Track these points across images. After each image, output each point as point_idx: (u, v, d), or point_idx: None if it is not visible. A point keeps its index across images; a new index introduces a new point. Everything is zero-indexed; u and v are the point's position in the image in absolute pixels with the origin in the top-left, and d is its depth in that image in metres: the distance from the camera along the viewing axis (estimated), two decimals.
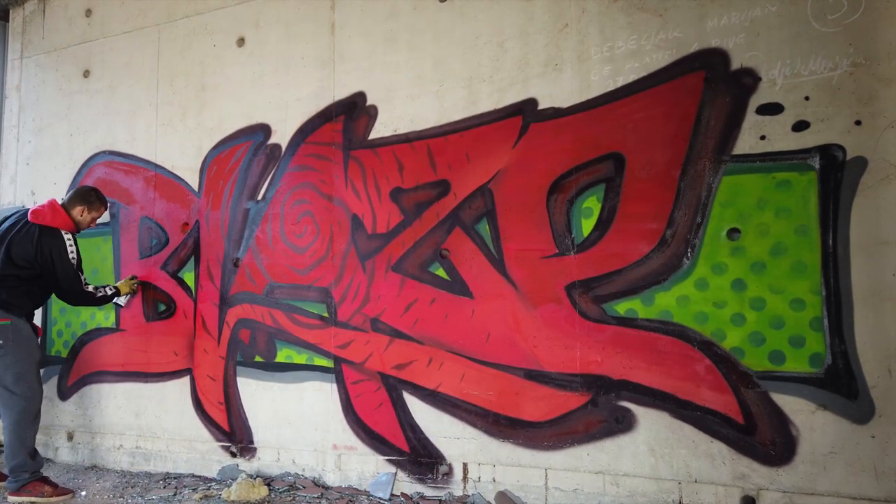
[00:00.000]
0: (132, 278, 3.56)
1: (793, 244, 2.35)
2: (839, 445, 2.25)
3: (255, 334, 3.31)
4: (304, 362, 3.19)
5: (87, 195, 3.27)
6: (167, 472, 3.44)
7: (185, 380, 3.46)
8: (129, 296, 3.58)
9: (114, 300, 3.45)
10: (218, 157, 3.49)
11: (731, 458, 2.39)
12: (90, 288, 3.27)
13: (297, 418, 3.19)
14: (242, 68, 3.47)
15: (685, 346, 2.48)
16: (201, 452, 3.39)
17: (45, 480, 3.05)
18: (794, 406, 2.31)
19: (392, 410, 2.98)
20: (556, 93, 2.76)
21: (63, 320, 3.84)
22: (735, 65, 2.47)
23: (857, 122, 2.28)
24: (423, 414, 2.92)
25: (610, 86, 2.67)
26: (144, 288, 3.61)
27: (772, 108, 2.40)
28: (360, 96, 3.16)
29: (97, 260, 3.76)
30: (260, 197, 3.36)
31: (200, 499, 3.00)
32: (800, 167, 2.35)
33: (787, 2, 2.41)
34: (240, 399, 3.32)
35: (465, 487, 2.83)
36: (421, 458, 2.91)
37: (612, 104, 2.66)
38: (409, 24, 3.09)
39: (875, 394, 2.22)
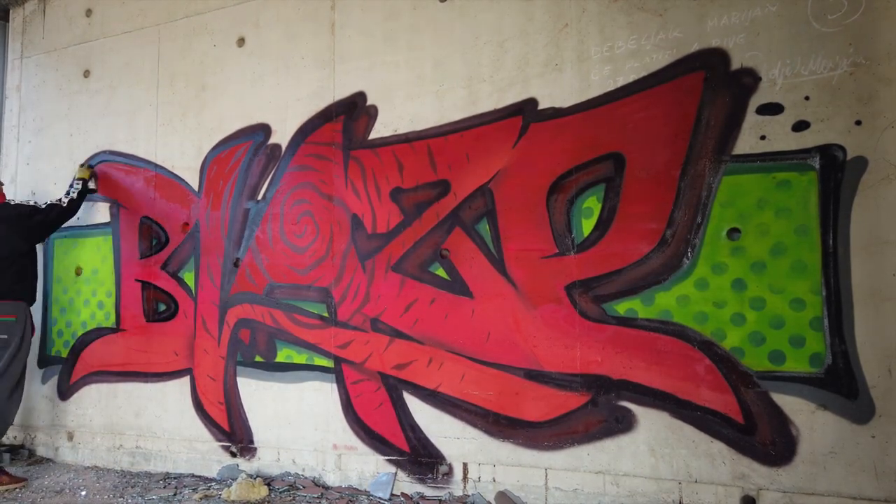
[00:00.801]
0: (82, 165, 3.72)
1: (793, 244, 2.35)
2: (839, 445, 2.25)
3: (256, 334, 3.31)
4: (304, 362, 3.19)
5: None
6: (167, 472, 3.44)
7: (186, 380, 3.46)
8: (94, 178, 3.69)
9: (87, 189, 3.60)
10: (218, 157, 3.49)
11: (731, 457, 2.39)
12: (65, 202, 3.48)
13: (297, 418, 3.19)
14: (242, 68, 3.47)
15: (685, 346, 2.48)
16: (201, 452, 3.39)
17: (1, 471, 3.18)
18: (794, 406, 2.31)
19: (392, 410, 2.98)
20: (556, 93, 2.76)
21: (63, 320, 3.84)
22: (735, 65, 2.47)
23: (858, 122, 2.28)
24: (423, 414, 2.92)
25: (610, 86, 2.67)
26: (144, 287, 3.61)
27: (772, 108, 2.40)
28: (360, 96, 3.16)
29: (97, 260, 3.76)
30: (260, 197, 3.36)
31: (200, 499, 3.00)
32: (800, 167, 2.35)
33: (788, 2, 2.41)
34: (240, 399, 3.32)
35: (465, 487, 2.83)
36: (421, 458, 2.91)
37: (612, 104, 2.66)
38: (409, 24, 3.09)
39: (875, 394, 2.22)
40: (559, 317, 2.68)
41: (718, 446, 2.41)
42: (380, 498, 2.89)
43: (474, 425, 2.82)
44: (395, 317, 2.99)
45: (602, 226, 2.64)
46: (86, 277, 3.80)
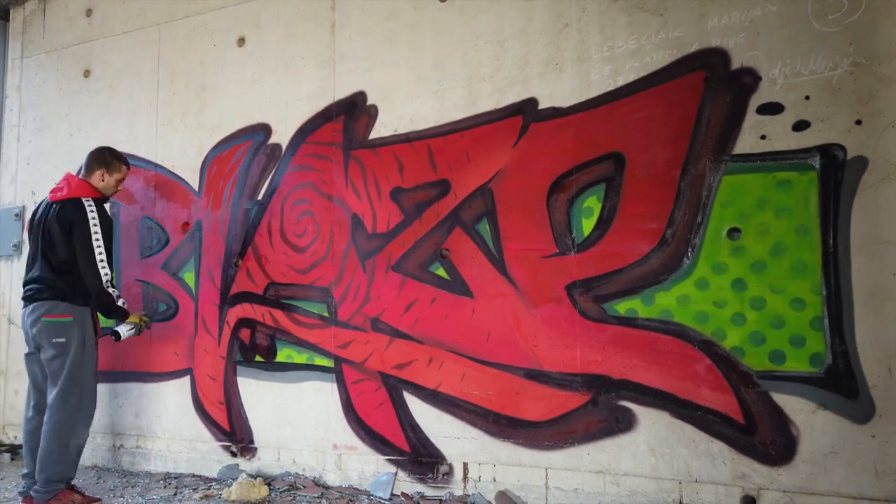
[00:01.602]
0: (146, 314, 3.27)
1: (793, 244, 2.35)
2: (839, 445, 2.25)
3: (256, 334, 3.31)
4: (304, 362, 3.19)
5: (101, 156, 3.02)
6: (167, 472, 3.44)
7: (186, 379, 3.46)
8: (133, 326, 3.06)
9: (118, 326, 3.01)
10: (218, 157, 3.49)
11: (732, 457, 2.39)
12: (114, 293, 2.92)
13: (298, 418, 3.19)
14: (243, 68, 3.47)
15: (685, 346, 2.48)
16: (201, 452, 3.40)
17: (74, 489, 2.89)
18: (794, 406, 2.31)
19: (392, 410, 2.98)
20: (557, 92, 2.76)
21: None
22: (735, 64, 2.47)
23: (858, 122, 2.28)
24: (424, 414, 2.92)
25: (610, 85, 2.67)
26: (144, 287, 3.61)
27: (772, 108, 2.40)
28: (360, 96, 3.16)
29: None
30: (260, 197, 3.36)
31: (201, 499, 3.00)
32: (800, 167, 2.35)
33: (788, 1, 2.41)
34: (240, 399, 3.33)
35: (465, 487, 2.83)
36: (421, 458, 2.91)
37: (612, 104, 2.66)
38: (409, 24, 3.09)
39: (875, 393, 2.22)
40: (559, 316, 2.68)
41: (719, 446, 2.41)
42: (380, 498, 2.89)
43: (474, 425, 2.82)
44: (396, 317, 2.99)
45: (602, 225, 2.64)
46: None
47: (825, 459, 2.27)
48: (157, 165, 3.65)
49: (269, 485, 3.07)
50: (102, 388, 3.66)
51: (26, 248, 4.00)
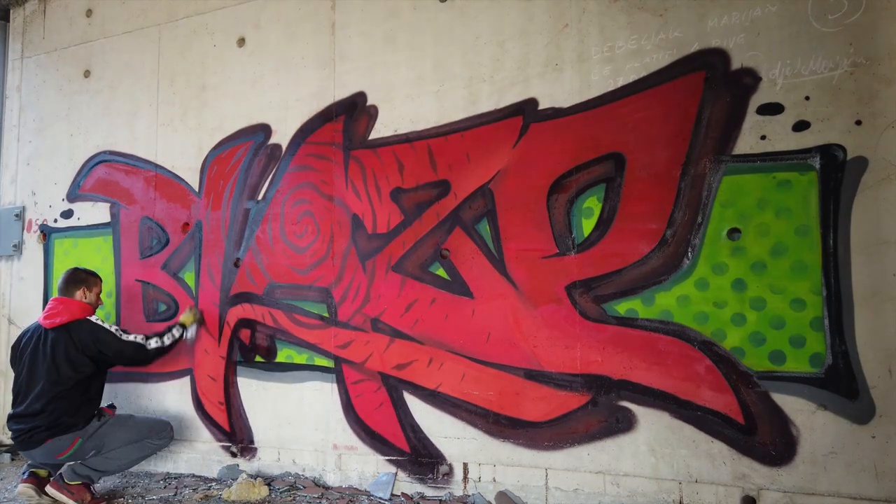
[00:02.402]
0: (192, 308, 3.35)
1: (793, 244, 2.35)
2: (839, 445, 2.25)
3: (256, 334, 3.31)
4: (304, 362, 3.19)
5: (75, 277, 3.08)
6: (167, 472, 3.44)
7: (186, 380, 3.46)
8: (195, 325, 3.34)
9: (185, 337, 3.22)
10: (218, 157, 3.49)
11: (732, 458, 2.39)
12: (153, 343, 3.03)
13: (298, 418, 3.19)
14: (243, 68, 3.47)
15: (685, 346, 2.48)
16: (202, 452, 3.40)
17: (89, 488, 2.93)
18: (794, 406, 2.31)
19: (392, 410, 2.98)
20: (557, 93, 2.76)
21: None
22: (735, 64, 2.47)
23: (858, 122, 2.28)
24: (424, 414, 2.92)
25: (610, 86, 2.67)
26: (144, 287, 3.61)
27: (772, 108, 2.40)
28: (360, 96, 3.16)
29: (97, 260, 3.76)
30: (260, 197, 3.36)
31: (201, 499, 3.00)
32: (800, 167, 2.35)
33: (788, 1, 2.41)
34: (240, 399, 3.33)
35: (465, 487, 2.83)
36: (421, 458, 2.91)
37: (612, 104, 2.66)
38: (409, 24, 3.09)
39: (875, 394, 2.21)
40: (559, 317, 2.68)
41: (719, 446, 2.41)
42: (380, 498, 2.89)
43: (475, 425, 2.82)
44: (396, 317, 2.99)
45: (602, 226, 2.64)
46: None
47: (825, 460, 2.27)
48: (157, 165, 3.65)
49: (269, 485, 3.07)
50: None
51: (26, 248, 4.01)
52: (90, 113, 3.90)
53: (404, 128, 3.04)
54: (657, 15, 2.61)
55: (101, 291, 3.19)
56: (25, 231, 4.02)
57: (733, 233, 2.44)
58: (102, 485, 3.26)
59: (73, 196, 3.90)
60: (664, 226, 2.53)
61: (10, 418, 2.91)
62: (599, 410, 2.60)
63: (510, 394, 2.76)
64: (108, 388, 3.62)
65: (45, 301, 3.88)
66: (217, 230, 3.45)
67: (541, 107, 2.78)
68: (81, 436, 2.87)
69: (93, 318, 3.00)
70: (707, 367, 2.44)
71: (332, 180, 3.18)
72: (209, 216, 3.48)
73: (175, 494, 3.08)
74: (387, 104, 3.10)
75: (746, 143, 2.43)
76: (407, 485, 2.93)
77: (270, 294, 3.29)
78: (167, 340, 3.09)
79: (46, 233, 3.94)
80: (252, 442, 3.29)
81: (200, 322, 3.38)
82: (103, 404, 3.17)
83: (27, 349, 2.97)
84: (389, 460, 2.98)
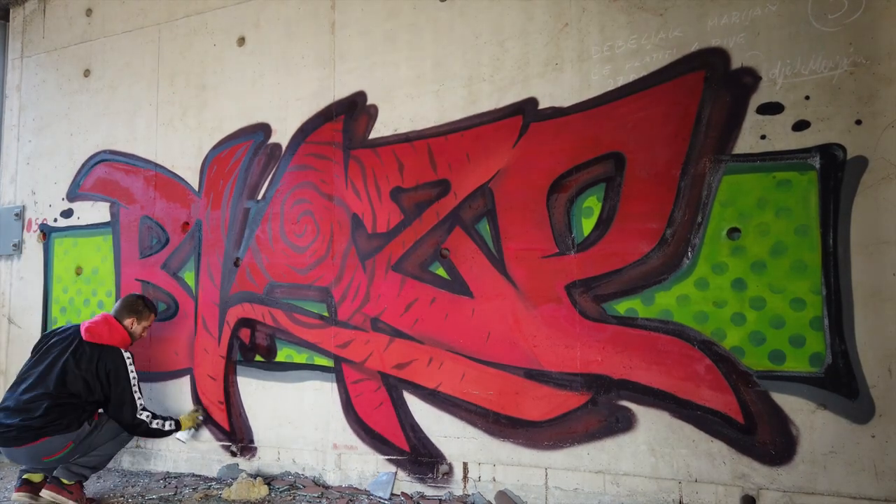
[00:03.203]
0: (196, 410, 3.34)
1: (793, 244, 2.35)
2: (839, 445, 2.25)
3: (256, 334, 3.31)
4: (304, 362, 3.19)
5: (134, 305, 3.10)
6: (167, 472, 3.44)
7: (186, 379, 3.46)
8: (191, 430, 3.27)
9: (175, 436, 3.16)
10: (218, 157, 3.49)
11: (732, 457, 2.39)
12: (145, 415, 2.97)
13: (298, 418, 3.19)
14: (243, 68, 3.47)
15: (685, 346, 2.48)
16: (201, 452, 3.40)
17: (82, 487, 2.93)
18: (794, 405, 2.31)
19: (392, 410, 2.98)
20: (557, 92, 2.76)
21: (63, 320, 3.84)
22: (735, 64, 2.47)
23: (858, 122, 2.28)
24: (424, 413, 2.92)
25: (610, 85, 2.67)
26: (144, 287, 3.61)
27: (772, 108, 2.40)
28: (360, 96, 3.16)
29: (97, 259, 3.76)
30: (260, 196, 3.36)
31: (201, 498, 3.00)
32: (800, 167, 2.35)
33: (788, 1, 2.41)
34: (240, 398, 3.33)
35: (465, 487, 2.83)
36: (421, 458, 2.91)
37: (612, 104, 2.66)
38: (409, 24, 3.09)
39: (875, 393, 2.22)
40: (559, 316, 2.68)
41: (718, 446, 2.41)
42: (380, 497, 2.89)
43: (474, 425, 2.82)
44: (396, 316, 2.99)
45: (602, 225, 2.64)
46: (86, 277, 3.80)
47: (825, 459, 2.27)
48: (157, 165, 3.65)
49: (268, 484, 3.07)
50: None
51: (26, 248, 4.01)
52: (90, 112, 3.90)
53: (404, 127, 3.04)
54: (657, 14, 2.61)
55: (148, 326, 3.18)
56: (25, 230, 4.02)
57: (733, 232, 2.44)
58: (91, 487, 3.26)
59: (72, 195, 3.90)
60: (664, 225, 2.54)
61: (7, 401, 2.82)
62: (599, 410, 2.60)
63: (510, 393, 2.76)
64: None
65: (45, 300, 3.89)
66: (217, 230, 3.45)
67: (541, 106, 2.78)
68: (74, 440, 2.82)
69: (124, 353, 2.97)
70: (707, 367, 2.44)
71: (331, 180, 3.18)
72: (209, 215, 3.48)
73: (175, 494, 3.08)
74: (387, 104, 3.09)
75: (746, 142, 2.43)
76: (407, 484, 2.93)
77: (270, 293, 3.29)
78: (154, 424, 3.00)
79: (46, 232, 3.95)
80: (252, 441, 3.29)
81: (196, 428, 3.31)
82: None
83: (57, 345, 2.94)
84: (389, 460, 2.98)
